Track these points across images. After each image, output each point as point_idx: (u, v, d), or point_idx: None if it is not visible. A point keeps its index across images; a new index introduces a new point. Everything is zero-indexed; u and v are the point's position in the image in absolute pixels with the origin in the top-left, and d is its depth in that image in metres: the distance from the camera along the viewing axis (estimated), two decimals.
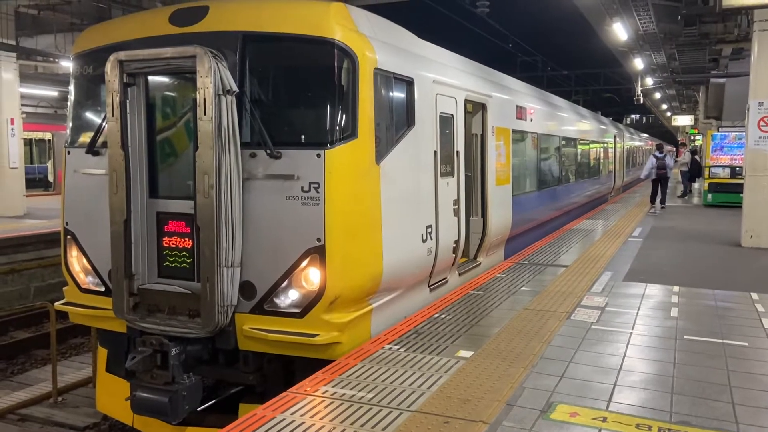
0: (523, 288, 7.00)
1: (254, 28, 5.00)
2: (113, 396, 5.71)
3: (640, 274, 7.81)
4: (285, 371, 5.13)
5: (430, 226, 6.06)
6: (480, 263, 8.04)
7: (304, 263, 4.77)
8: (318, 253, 4.72)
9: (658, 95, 36.05)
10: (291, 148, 4.83)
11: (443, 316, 5.79)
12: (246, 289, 4.90)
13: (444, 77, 6.59)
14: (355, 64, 4.91)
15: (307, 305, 4.80)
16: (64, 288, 5.82)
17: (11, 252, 12.46)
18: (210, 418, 5.34)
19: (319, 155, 4.74)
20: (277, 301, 4.87)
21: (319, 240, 4.72)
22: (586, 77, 41.79)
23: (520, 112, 9.75)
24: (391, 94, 5.49)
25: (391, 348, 4.86)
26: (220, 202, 4.71)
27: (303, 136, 5.02)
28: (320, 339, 4.72)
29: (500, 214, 8.50)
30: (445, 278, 6.84)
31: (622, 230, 11.99)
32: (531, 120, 10.42)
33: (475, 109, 7.87)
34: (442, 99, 6.44)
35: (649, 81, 27.72)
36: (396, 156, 5.42)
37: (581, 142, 15.49)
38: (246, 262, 4.89)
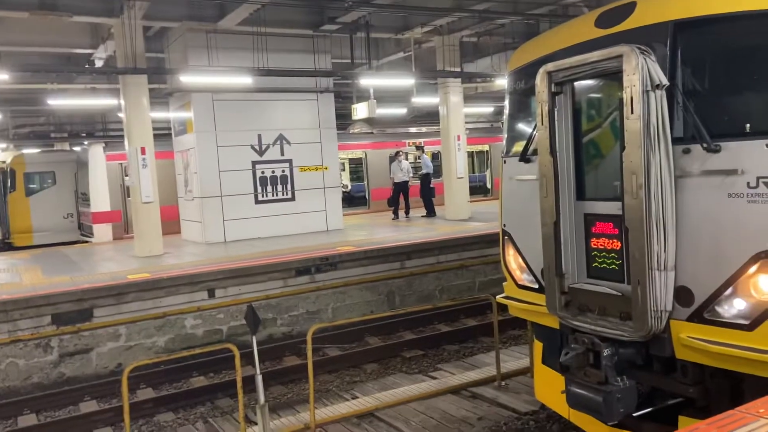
0: None
1: (687, 15, 4.63)
2: (549, 387, 6.07)
3: None
4: (732, 388, 4.58)
5: None
6: None
7: (753, 269, 4.15)
8: None
9: None
10: (732, 139, 4.29)
11: None
12: (681, 294, 4.56)
13: None
14: None
15: (758, 317, 4.16)
16: (503, 283, 6.48)
17: (460, 250, 14.55)
18: (647, 425, 5.16)
19: None
20: (719, 309, 4.38)
21: None
22: None
23: None
24: None
25: None
26: (650, 203, 4.51)
27: (748, 124, 4.40)
28: None
29: None
30: None
31: None
32: None
33: None
34: None
35: None
36: None
37: None
38: (681, 266, 4.55)
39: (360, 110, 18.07)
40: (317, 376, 9.66)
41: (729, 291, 4.30)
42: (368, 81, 17.37)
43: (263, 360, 10.17)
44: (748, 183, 4.17)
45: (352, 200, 26.77)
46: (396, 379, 9.59)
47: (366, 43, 16.57)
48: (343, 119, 22.45)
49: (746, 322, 4.23)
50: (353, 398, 8.64)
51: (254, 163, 17.21)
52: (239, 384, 6.93)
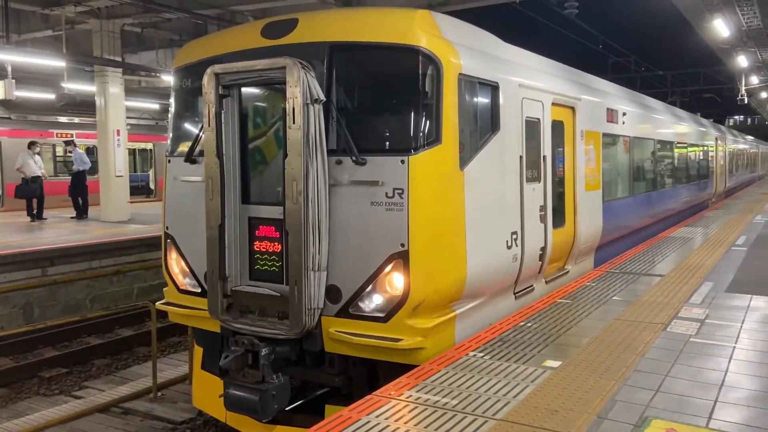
0: (614, 297, 6.72)
1: (340, 38, 5.13)
2: (208, 393, 5.99)
3: (744, 285, 7.30)
4: (370, 374, 5.19)
5: (515, 233, 5.96)
6: (568, 271, 7.80)
7: (388, 268, 4.81)
8: (402, 258, 4.76)
9: (765, 95, 33.61)
10: (375, 155, 4.90)
11: (529, 324, 5.66)
12: (332, 292, 5.01)
13: (530, 81, 6.47)
14: (439, 71, 4.92)
15: (391, 310, 4.84)
16: (164, 289, 6.17)
17: (117, 255, 13.38)
18: (298, 417, 5.48)
19: (403, 161, 4.78)
20: (361, 305, 4.95)
21: (402, 245, 4.75)
22: (684, 77, 39.58)
23: (611, 115, 9.40)
24: (475, 99, 5.45)
25: (475, 355, 4.81)
26: (308, 208, 4.84)
27: (387, 143, 5.09)
28: (404, 344, 4.74)
29: (589, 220, 8.22)
30: (531, 286, 6.69)
31: (724, 238, 11.26)
32: (623, 123, 10.02)
33: (563, 112, 7.66)
34: (528, 103, 6.33)
35: (755, 80, 25.93)
36: (480, 161, 5.38)
37: (678, 145, 14.71)
38: (332, 267, 5.00)
39: None
40: None
41: (369, 288, 4.89)
42: (5, 56, 14.70)
43: None
44: (386, 193, 4.81)
45: None
46: (32, 404, 8.29)
47: (4, 12, 14.02)
48: None
49: (382, 315, 4.87)
50: None
51: None
52: None
